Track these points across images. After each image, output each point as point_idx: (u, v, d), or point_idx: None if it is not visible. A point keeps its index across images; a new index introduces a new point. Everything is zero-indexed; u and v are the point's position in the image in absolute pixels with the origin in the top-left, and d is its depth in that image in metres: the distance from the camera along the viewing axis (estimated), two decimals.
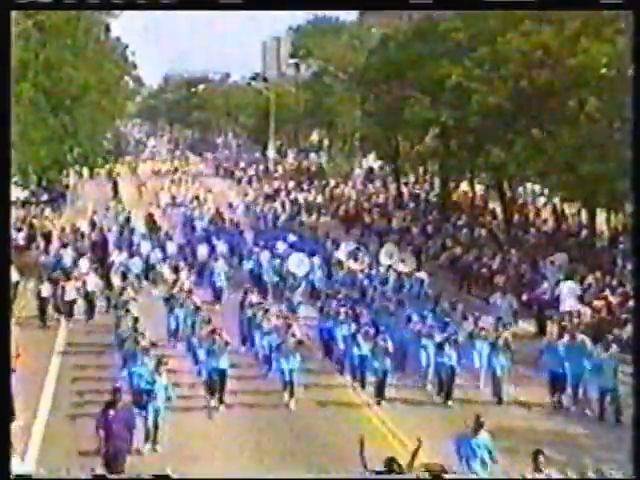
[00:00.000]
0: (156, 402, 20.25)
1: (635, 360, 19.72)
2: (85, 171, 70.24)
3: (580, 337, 24.51)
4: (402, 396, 24.11)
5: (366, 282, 34.41)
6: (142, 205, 59.42)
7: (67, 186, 64.84)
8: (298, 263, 35.68)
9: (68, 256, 38.61)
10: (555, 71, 36.29)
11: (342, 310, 27.50)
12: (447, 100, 43.10)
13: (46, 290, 32.48)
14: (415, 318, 27.03)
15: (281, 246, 39.94)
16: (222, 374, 23.20)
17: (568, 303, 32.01)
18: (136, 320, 25.67)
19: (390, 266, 36.24)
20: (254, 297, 29.70)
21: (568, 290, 32.48)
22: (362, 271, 35.89)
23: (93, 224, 47.90)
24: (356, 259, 37.48)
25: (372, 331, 25.34)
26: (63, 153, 46.21)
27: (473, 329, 25.58)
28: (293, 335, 24.23)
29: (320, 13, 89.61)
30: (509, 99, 38.18)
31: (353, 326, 26.24)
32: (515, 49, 37.63)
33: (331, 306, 28.24)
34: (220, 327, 24.39)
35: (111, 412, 17.88)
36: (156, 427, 20.18)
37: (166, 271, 36.18)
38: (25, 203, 52.19)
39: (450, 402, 23.58)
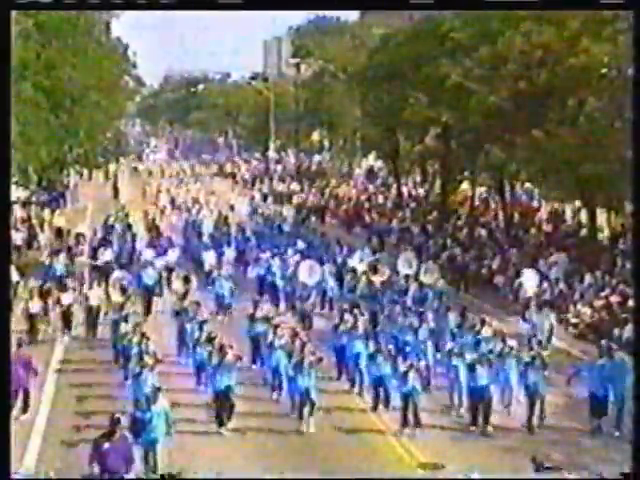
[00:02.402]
0: (153, 432, 18.80)
1: (635, 360, 19.73)
2: (85, 171, 70.50)
3: (618, 355, 22.83)
4: (430, 422, 22.20)
5: (385, 294, 32.01)
6: (144, 206, 58.61)
7: (67, 186, 64.88)
8: (309, 272, 32.94)
9: (60, 264, 36.90)
10: (555, 71, 36.25)
11: (359, 326, 25.78)
12: (447, 100, 43.07)
13: (35, 306, 30.10)
14: (426, 331, 25.61)
15: (290, 253, 37.94)
16: (229, 395, 21.75)
17: (530, 289, 33.17)
18: (143, 336, 24.22)
19: (408, 276, 34.01)
20: (265, 310, 27.93)
21: (529, 277, 33.76)
22: (383, 283, 33.34)
23: (106, 229, 46.29)
24: (376, 270, 34.42)
25: (394, 350, 23.60)
26: (63, 153, 46.25)
27: (503, 347, 23.60)
28: (312, 353, 22.63)
29: (321, 13, 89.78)
30: (509, 99, 38.13)
31: (371, 344, 24.47)
32: (515, 49, 37.59)
33: (347, 321, 26.24)
34: (229, 342, 23.00)
35: (105, 445, 16.59)
36: (155, 455, 18.77)
37: (176, 282, 33.40)
38: (25, 203, 52.16)
39: (490, 428, 21.76)
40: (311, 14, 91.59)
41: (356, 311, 27.39)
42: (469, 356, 22.75)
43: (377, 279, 33.63)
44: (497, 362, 22.86)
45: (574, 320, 31.61)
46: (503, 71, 38.27)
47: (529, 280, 33.68)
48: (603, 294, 32.11)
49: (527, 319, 29.86)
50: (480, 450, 20.72)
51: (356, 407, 23.64)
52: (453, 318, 27.64)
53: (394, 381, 22.47)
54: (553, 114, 36.56)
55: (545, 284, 34.10)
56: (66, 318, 30.64)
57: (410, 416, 21.60)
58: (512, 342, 23.91)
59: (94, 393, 24.18)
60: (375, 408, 23.13)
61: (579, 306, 32.19)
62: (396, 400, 22.43)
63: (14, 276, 32.03)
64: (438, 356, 25.07)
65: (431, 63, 44.30)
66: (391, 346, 23.90)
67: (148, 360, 22.12)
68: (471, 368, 22.23)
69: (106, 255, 38.94)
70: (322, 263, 34.91)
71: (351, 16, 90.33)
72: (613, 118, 33.50)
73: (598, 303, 31.68)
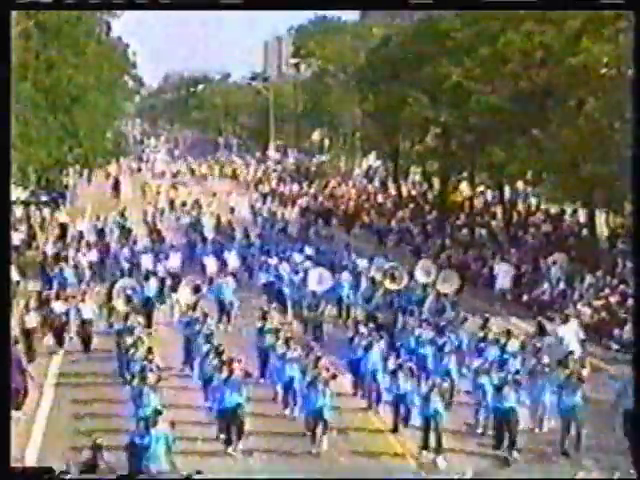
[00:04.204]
0: (151, 458, 17.21)
1: (635, 360, 19.71)
2: (85, 171, 70.51)
3: None
4: (452, 445, 20.59)
5: (401, 303, 29.77)
6: (144, 207, 57.64)
7: (67, 186, 64.85)
8: (319, 279, 31.05)
9: (70, 270, 35.72)
10: (555, 71, 36.27)
11: (376, 339, 23.92)
12: (447, 100, 43.08)
13: (32, 320, 27.80)
14: (449, 346, 23.77)
15: (298, 258, 36.14)
16: (238, 413, 20.30)
17: (502, 283, 34.01)
18: (149, 350, 22.65)
19: (426, 285, 31.77)
20: (274, 321, 26.11)
21: (502, 271, 34.70)
22: (399, 292, 30.94)
23: (97, 231, 45.17)
24: (393, 278, 31.76)
25: (415, 367, 22.13)
26: (63, 153, 46.25)
27: (535, 365, 22.08)
28: (327, 369, 21.09)
29: (321, 13, 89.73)
30: (509, 99, 38.17)
31: (392, 360, 22.70)
32: (515, 49, 37.62)
33: (363, 333, 24.40)
34: (236, 356, 21.56)
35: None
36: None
37: (184, 292, 30.70)
38: (25, 203, 52.16)
39: (515, 454, 20.10)
40: (311, 14, 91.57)
41: (372, 325, 25.88)
42: (496, 375, 21.26)
43: (394, 287, 31.42)
44: (528, 381, 21.48)
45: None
46: (503, 71, 38.31)
47: (502, 272, 34.52)
48: (603, 294, 32.11)
49: (552, 332, 27.62)
50: (505, 476, 19.57)
51: (373, 427, 22.21)
52: (475, 330, 25.65)
53: (416, 399, 21.04)
54: (553, 114, 36.58)
55: (545, 284, 34.12)
56: (60, 331, 28.80)
57: (431, 439, 20.15)
58: (546, 359, 22.25)
59: (92, 410, 22.92)
60: (395, 429, 21.62)
61: (579, 306, 32.19)
62: (416, 420, 20.98)
63: (14, 276, 31.95)
64: (462, 372, 23.65)
65: (431, 63, 44.33)
66: (413, 364, 22.36)
67: (150, 378, 20.73)
68: (497, 388, 20.70)
69: (90, 256, 38.45)
70: (333, 269, 33.48)
71: (351, 16, 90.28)
72: (613, 118, 33.50)
73: (598, 303, 31.68)
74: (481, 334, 24.83)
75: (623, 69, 31.99)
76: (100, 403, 23.29)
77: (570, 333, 26.31)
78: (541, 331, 30.86)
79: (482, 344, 24.23)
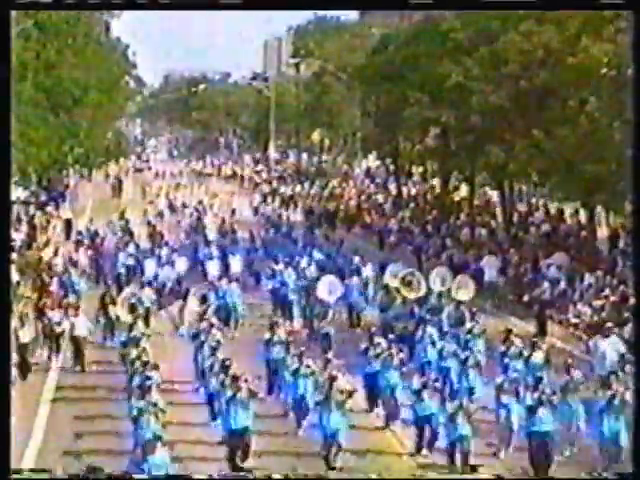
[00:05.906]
0: None
1: (635, 360, 19.70)
2: (85, 171, 70.59)
3: None
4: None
5: (423, 315, 27.69)
6: (144, 208, 56.65)
7: (67, 186, 64.88)
8: (330, 288, 29.46)
9: (76, 275, 34.71)
10: (555, 71, 36.29)
11: (394, 354, 22.56)
12: (447, 100, 43.09)
13: (28, 334, 26.35)
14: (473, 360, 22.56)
15: (305, 263, 35.05)
16: (244, 433, 19.25)
17: (489, 275, 34.78)
18: (145, 365, 21.54)
19: (441, 293, 30.06)
20: (283, 333, 24.65)
21: (488, 263, 35.58)
22: (418, 301, 29.14)
23: (90, 235, 43.81)
24: (410, 285, 29.91)
25: (440, 385, 20.96)
26: (63, 153, 46.34)
27: (567, 382, 20.50)
28: (341, 392, 19.74)
29: (321, 13, 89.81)
30: (509, 99, 38.19)
31: (416, 378, 21.32)
32: (515, 49, 37.63)
33: (378, 344, 22.98)
34: (242, 369, 20.44)
35: None
36: None
37: (192, 301, 29.24)
38: (25, 203, 52.16)
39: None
40: (311, 14, 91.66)
41: (391, 335, 24.63)
42: (530, 395, 19.73)
43: (412, 295, 29.55)
44: (560, 400, 19.82)
45: (574, 320, 31.62)
46: (503, 71, 38.33)
47: (489, 265, 35.11)
48: (603, 294, 32.11)
49: (590, 348, 26.01)
50: None
51: (391, 448, 20.92)
52: (494, 340, 24.45)
53: (441, 419, 19.66)
54: (553, 114, 36.59)
55: (545, 284, 34.11)
56: (56, 342, 27.55)
57: (457, 462, 19.02)
58: (577, 373, 20.84)
59: (89, 427, 21.82)
60: (418, 451, 20.23)
61: (579, 306, 32.20)
62: (441, 442, 19.70)
63: (14, 276, 31.89)
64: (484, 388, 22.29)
65: (431, 63, 44.33)
66: (439, 383, 21.10)
67: (152, 398, 19.43)
68: (531, 409, 19.16)
69: (88, 259, 38.15)
70: (341, 274, 32.39)
71: (351, 16, 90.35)
72: (613, 118, 33.51)
73: (598, 303, 31.68)
74: (503, 348, 23.51)
75: (623, 69, 31.97)
76: (98, 419, 22.32)
77: (612, 349, 24.08)
78: (541, 331, 31.02)
79: (505, 359, 23.04)
